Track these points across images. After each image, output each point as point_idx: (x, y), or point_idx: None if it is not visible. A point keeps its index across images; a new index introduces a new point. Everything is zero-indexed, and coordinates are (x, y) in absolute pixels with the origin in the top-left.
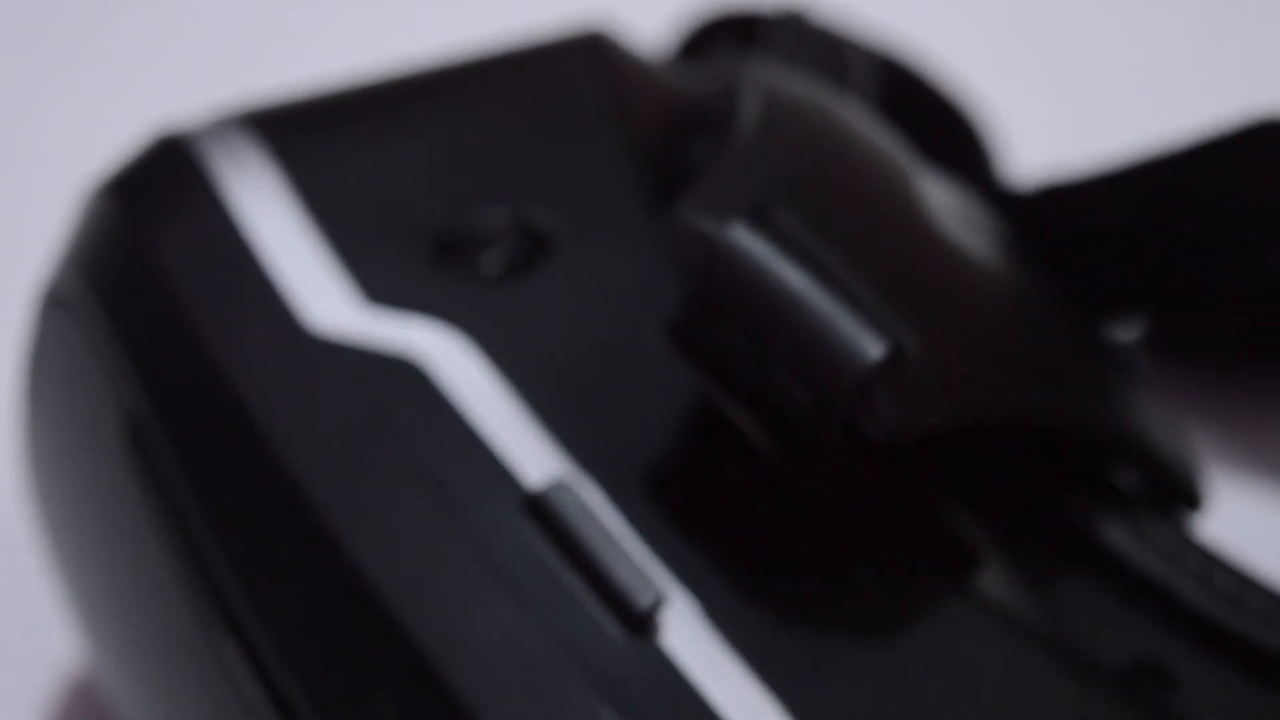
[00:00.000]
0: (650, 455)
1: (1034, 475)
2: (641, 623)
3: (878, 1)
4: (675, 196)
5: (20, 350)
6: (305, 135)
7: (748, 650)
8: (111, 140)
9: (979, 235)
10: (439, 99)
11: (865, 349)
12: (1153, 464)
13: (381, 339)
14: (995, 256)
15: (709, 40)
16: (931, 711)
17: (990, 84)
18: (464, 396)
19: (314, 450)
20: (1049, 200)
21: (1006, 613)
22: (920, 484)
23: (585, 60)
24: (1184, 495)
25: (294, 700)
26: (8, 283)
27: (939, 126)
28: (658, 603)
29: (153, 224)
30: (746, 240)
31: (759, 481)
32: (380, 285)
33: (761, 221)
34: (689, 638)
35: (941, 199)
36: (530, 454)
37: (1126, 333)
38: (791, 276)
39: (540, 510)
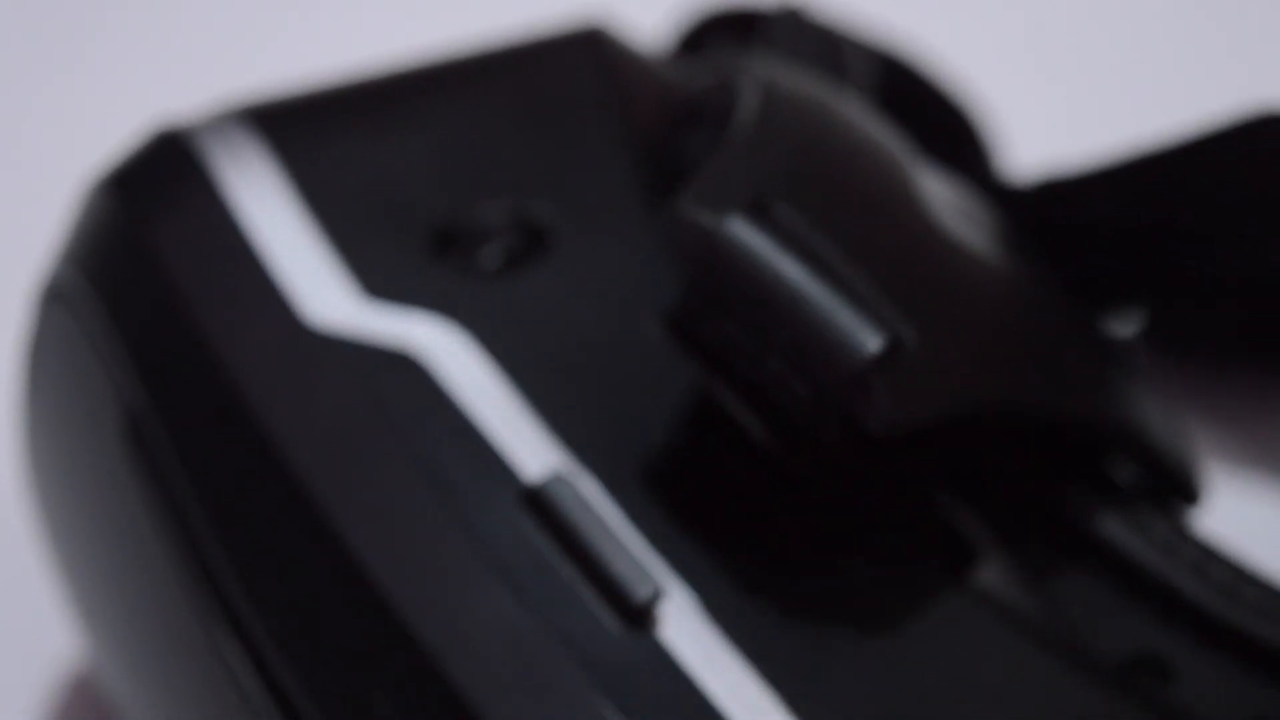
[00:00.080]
0: (648, 448)
1: (1032, 468)
2: (639, 616)
3: None
4: (673, 190)
5: (19, 345)
6: (304, 130)
7: (745, 643)
8: (111, 135)
9: (977, 229)
10: (438, 93)
11: (863, 341)
12: (1150, 458)
13: (380, 333)
14: (993, 250)
15: (708, 36)
16: (927, 703)
17: (988, 79)
18: (462, 390)
19: (312, 444)
20: (1047, 194)
21: (1004, 605)
22: (918, 476)
23: (584, 55)
24: (1182, 489)
25: (292, 693)
26: (7, 278)
27: (937, 121)
28: (655, 596)
29: (152, 218)
30: (744, 233)
31: (757, 474)
32: (379, 279)
33: (760, 215)
34: (686, 630)
35: (940, 193)
36: (528, 447)
37: (1125, 327)
38: (789, 269)
39: (538, 503)
